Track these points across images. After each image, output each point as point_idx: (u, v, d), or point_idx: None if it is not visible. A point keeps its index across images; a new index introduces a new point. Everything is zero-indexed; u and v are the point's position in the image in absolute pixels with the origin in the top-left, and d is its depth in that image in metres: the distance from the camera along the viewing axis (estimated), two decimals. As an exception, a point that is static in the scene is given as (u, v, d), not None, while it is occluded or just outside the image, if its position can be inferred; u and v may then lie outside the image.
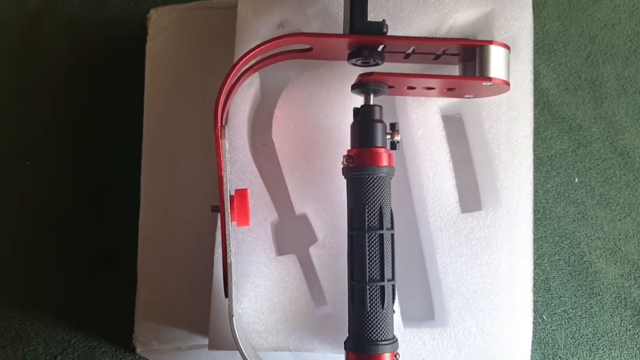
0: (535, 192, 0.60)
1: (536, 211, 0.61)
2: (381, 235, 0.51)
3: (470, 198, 0.60)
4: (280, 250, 0.58)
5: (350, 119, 0.54)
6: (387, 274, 0.51)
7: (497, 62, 0.52)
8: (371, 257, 0.50)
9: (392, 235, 0.52)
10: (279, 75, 0.60)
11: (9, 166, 0.69)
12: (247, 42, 0.58)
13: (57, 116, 0.70)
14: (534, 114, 0.60)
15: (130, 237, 0.63)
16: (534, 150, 0.59)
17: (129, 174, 0.65)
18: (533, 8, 0.61)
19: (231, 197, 0.51)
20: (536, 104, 0.62)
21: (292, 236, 0.59)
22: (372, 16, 0.59)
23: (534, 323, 0.56)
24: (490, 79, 0.52)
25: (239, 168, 0.57)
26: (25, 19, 0.73)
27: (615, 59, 0.72)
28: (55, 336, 0.67)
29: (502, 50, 0.53)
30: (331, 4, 0.59)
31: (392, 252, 0.52)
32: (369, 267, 0.50)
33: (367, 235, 0.51)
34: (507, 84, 0.53)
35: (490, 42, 0.52)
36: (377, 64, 0.54)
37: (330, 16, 0.59)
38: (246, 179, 0.57)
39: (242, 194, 0.51)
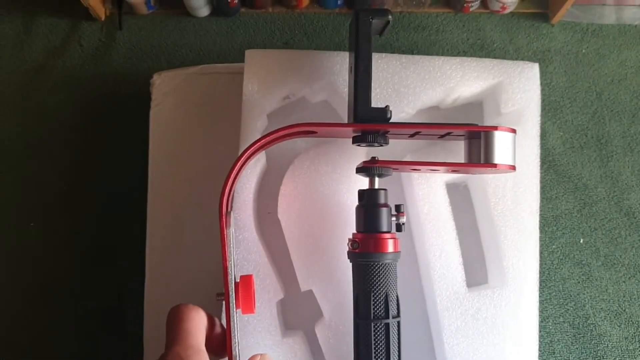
0: (541, 253, 0.60)
1: (541, 272, 0.61)
2: (387, 325, 0.51)
3: (477, 270, 0.60)
4: (287, 325, 0.58)
5: (356, 196, 0.54)
6: (393, 363, 0.51)
7: (502, 147, 0.52)
8: (377, 347, 0.50)
9: (398, 322, 0.52)
10: (285, 145, 0.59)
11: (12, 227, 0.69)
12: (253, 118, 0.58)
13: (60, 175, 0.70)
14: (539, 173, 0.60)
15: (135, 301, 0.63)
16: (539, 211, 0.59)
17: (134, 237, 0.65)
18: (540, 64, 0.61)
19: (236, 284, 0.50)
20: (542, 163, 0.62)
21: (298, 312, 0.59)
22: (377, 92, 0.58)
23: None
24: (495, 165, 0.52)
25: (244, 248, 0.56)
26: (27, 74, 0.72)
27: (622, 115, 0.72)
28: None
29: (508, 134, 0.52)
30: (336, 80, 0.58)
31: (399, 339, 0.52)
32: (374, 358, 0.50)
33: (372, 325, 0.51)
34: (513, 168, 0.53)
35: (495, 127, 0.51)
36: (381, 145, 0.54)
37: (336, 91, 0.59)
38: (252, 259, 0.56)
39: (247, 281, 0.50)
